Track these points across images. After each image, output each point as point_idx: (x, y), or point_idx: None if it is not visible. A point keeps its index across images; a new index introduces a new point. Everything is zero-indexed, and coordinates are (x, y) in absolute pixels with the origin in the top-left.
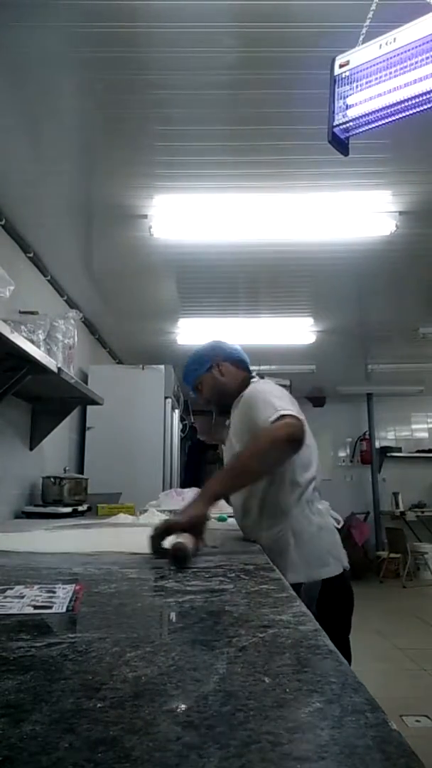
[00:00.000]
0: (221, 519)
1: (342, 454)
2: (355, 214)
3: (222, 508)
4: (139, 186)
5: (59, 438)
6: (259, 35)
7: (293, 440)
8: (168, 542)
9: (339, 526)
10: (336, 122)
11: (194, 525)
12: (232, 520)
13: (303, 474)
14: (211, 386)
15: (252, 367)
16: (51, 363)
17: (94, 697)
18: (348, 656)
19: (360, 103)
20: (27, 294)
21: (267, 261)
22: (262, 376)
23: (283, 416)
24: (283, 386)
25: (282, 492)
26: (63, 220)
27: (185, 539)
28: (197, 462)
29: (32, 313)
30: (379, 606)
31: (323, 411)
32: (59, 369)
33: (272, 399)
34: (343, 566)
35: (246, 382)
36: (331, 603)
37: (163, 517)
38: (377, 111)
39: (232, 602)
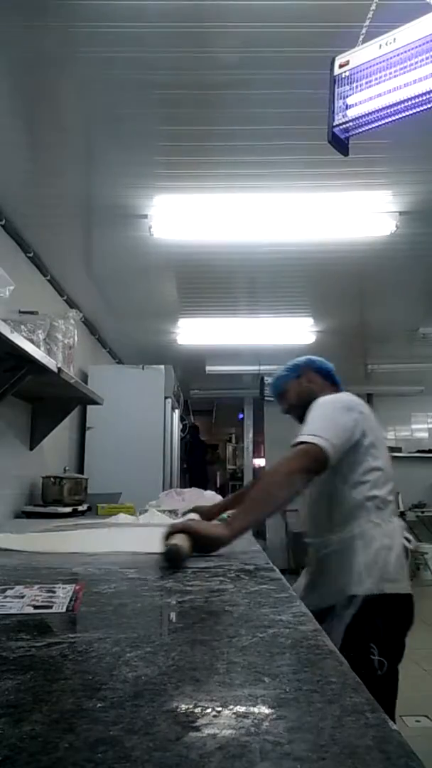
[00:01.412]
0: (221, 519)
1: None
2: (355, 214)
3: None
4: (139, 186)
5: (59, 438)
6: (259, 35)
7: (307, 470)
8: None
9: (411, 547)
10: (336, 122)
11: (210, 543)
12: None
13: (380, 486)
14: (297, 392)
15: (252, 367)
16: (51, 363)
17: (94, 697)
18: (394, 687)
19: (360, 103)
20: (27, 294)
21: (267, 261)
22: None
23: (302, 442)
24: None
25: (354, 498)
26: (63, 220)
27: (181, 541)
28: (200, 462)
29: (32, 313)
30: None
31: None
32: (59, 369)
33: (316, 416)
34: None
35: (332, 392)
36: (391, 623)
37: (163, 517)
38: (377, 111)
39: (232, 602)
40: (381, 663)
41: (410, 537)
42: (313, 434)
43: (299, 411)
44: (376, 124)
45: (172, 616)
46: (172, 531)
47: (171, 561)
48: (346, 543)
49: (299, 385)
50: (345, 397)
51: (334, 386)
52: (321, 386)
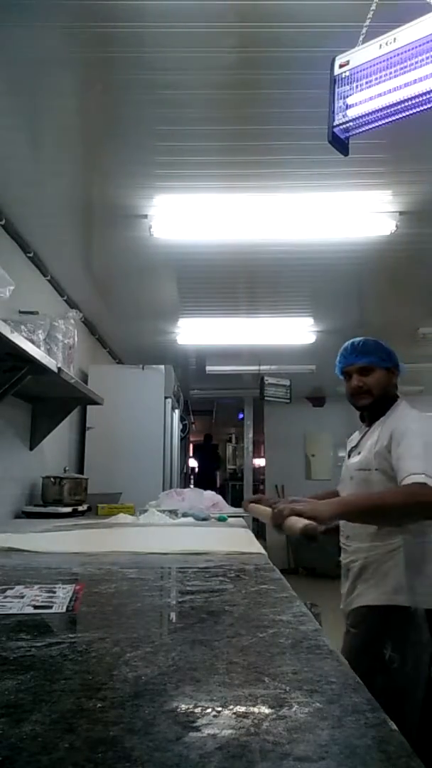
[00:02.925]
0: (221, 519)
1: (342, 454)
2: (355, 214)
3: (222, 508)
4: (139, 186)
5: (59, 438)
6: (259, 35)
7: (428, 513)
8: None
9: None
10: (336, 122)
11: (314, 517)
12: (232, 520)
13: None
14: (382, 384)
15: (252, 367)
16: (51, 363)
17: (94, 697)
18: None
19: (360, 103)
20: (27, 294)
21: (267, 261)
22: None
23: (425, 484)
24: (286, 386)
25: None
26: (63, 220)
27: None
28: (209, 465)
29: (32, 313)
30: None
31: (323, 411)
32: (59, 369)
33: (423, 449)
34: None
35: (393, 399)
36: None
37: (163, 517)
38: (377, 111)
39: (232, 602)
40: (392, 658)
41: None
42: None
43: (371, 400)
44: (376, 124)
45: (172, 616)
46: (284, 513)
47: (310, 539)
48: (387, 553)
49: (388, 377)
50: (425, 415)
51: (396, 389)
52: (393, 387)
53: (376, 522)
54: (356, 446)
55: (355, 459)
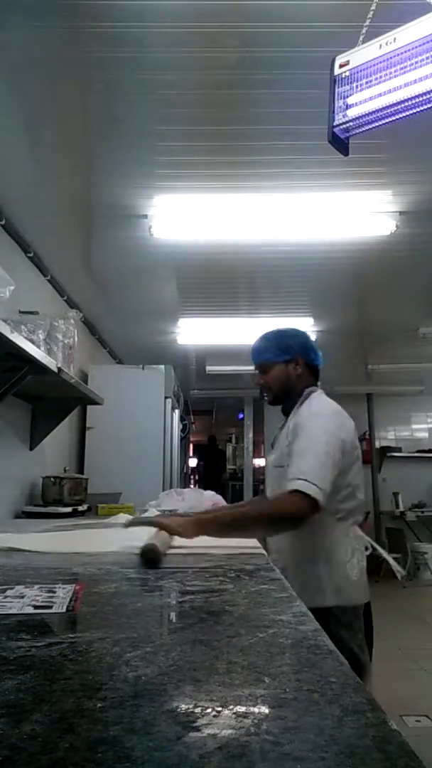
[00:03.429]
0: None
1: None
2: (355, 214)
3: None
4: (139, 186)
5: (59, 438)
6: (259, 35)
7: (298, 522)
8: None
9: (368, 553)
10: (336, 122)
11: (179, 533)
12: None
13: (346, 501)
14: (281, 379)
15: (252, 367)
16: (51, 363)
17: (94, 697)
18: None
19: (360, 103)
20: (27, 294)
21: (267, 261)
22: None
23: (298, 491)
24: None
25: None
26: (63, 220)
27: (158, 541)
28: (215, 468)
29: (32, 313)
30: (379, 606)
31: None
32: (59, 369)
33: (312, 452)
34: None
35: (308, 388)
36: (349, 632)
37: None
38: (377, 111)
39: (232, 602)
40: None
41: (371, 545)
42: (311, 482)
43: (276, 397)
44: (376, 124)
45: (172, 616)
46: (139, 522)
47: (149, 561)
48: (307, 554)
49: (286, 371)
50: (337, 418)
51: (315, 380)
52: (304, 379)
53: (244, 536)
54: (274, 441)
55: (273, 455)
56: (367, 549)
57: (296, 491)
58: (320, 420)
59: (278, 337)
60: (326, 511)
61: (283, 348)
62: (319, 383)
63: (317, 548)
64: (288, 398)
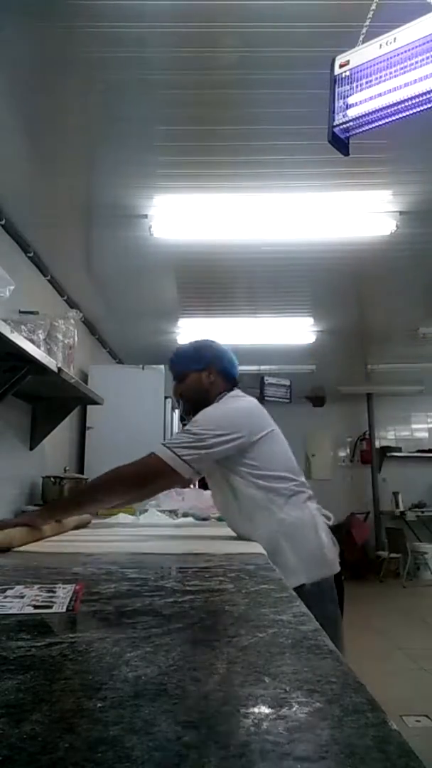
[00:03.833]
0: (221, 519)
1: (342, 454)
2: (355, 214)
3: None
4: (139, 186)
5: (59, 438)
6: (259, 35)
7: (144, 482)
8: None
9: (330, 523)
10: (336, 122)
11: (28, 524)
12: None
13: (282, 481)
14: (195, 388)
15: (252, 367)
16: (51, 363)
17: (94, 697)
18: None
19: (360, 102)
20: (27, 294)
21: (267, 261)
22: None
23: (153, 453)
24: (286, 386)
25: (258, 495)
26: (63, 220)
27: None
28: None
29: (32, 313)
30: (379, 606)
31: (323, 411)
32: (59, 369)
33: (193, 427)
34: (335, 567)
35: (221, 393)
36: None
37: (163, 517)
38: (377, 111)
39: (232, 602)
40: None
41: (327, 514)
42: (168, 447)
43: (192, 406)
44: (376, 124)
45: (172, 616)
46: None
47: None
48: (269, 535)
49: (200, 380)
50: (232, 411)
51: (230, 384)
52: (218, 386)
53: (98, 504)
54: None
55: None
56: (329, 519)
57: (152, 453)
58: (209, 410)
59: (192, 348)
60: (271, 494)
61: (196, 358)
62: (237, 389)
63: (277, 532)
64: (204, 405)
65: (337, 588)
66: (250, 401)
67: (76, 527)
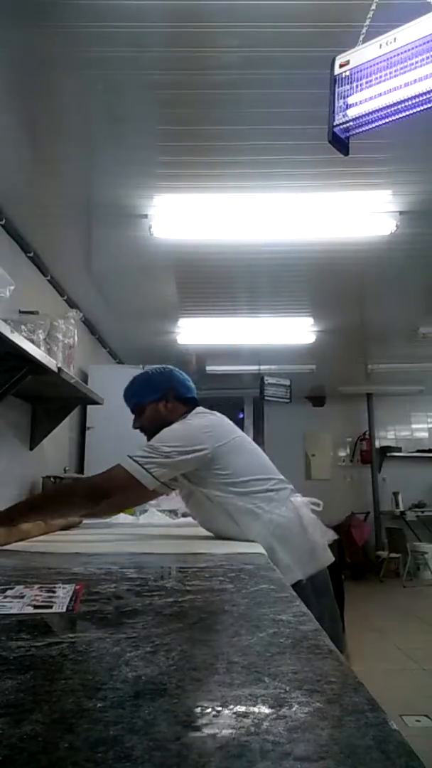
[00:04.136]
0: None
1: (342, 454)
2: (355, 214)
3: None
4: (139, 186)
5: (59, 438)
6: (258, 35)
7: (107, 492)
8: None
9: (319, 509)
10: (336, 122)
11: None
12: None
13: (256, 483)
14: (152, 418)
15: (252, 367)
16: (51, 363)
17: (94, 697)
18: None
19: (360, 102)
20: (27, 294)
21: (267, 261)
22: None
23: (119, 465)
24: (286, 386)
25: (240, 501)
26: (63, 220)
27: None
28: None
29: (32, 313)
30: (379, 606)
31: (323, 411)
32: (59, 369)
33: (157, 443)
34: (328, 557)
35: (182, 415)
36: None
37: (163, 516)
38: (377, 111)
39: (232, 602)
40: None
41: (315, 501)
42: (134, 459)
43: (149, 433)
44: (377, 124)
45: (172, 616)
46: None
47: None
48: (256, 535)
49: (157, 410)
50: (192, 429)
51: (191, 405)
52: (177, 411)
53: (60, 512)
54: None
55: None
56: (318, 506)
57: (118, 465)
58: (174, 427)
59: (143, 380)
60: (253, 497)
61: (150, 389)
62: (198, 407)
63: (267, 533)
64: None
65: (336, 586)
66: (212, 416)
67: (64, 528)
